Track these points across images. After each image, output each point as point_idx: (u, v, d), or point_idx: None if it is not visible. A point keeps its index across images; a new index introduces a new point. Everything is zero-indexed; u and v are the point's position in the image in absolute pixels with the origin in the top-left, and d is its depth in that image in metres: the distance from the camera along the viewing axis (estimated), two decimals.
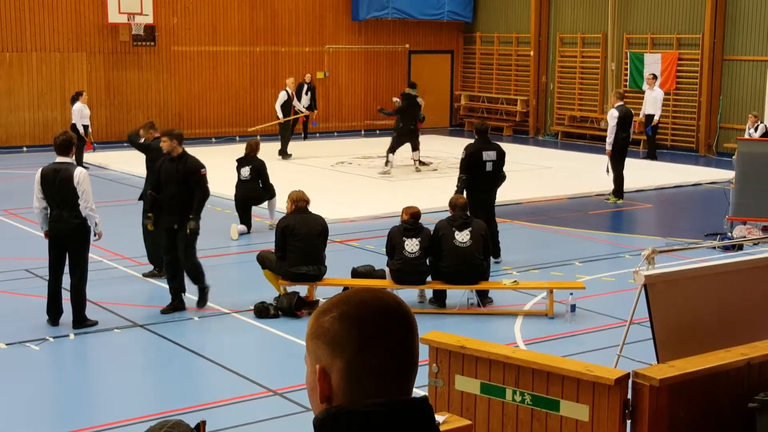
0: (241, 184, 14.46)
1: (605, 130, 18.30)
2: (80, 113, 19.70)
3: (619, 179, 17.36)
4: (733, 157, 16.66)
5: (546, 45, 28.02)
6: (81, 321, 9.75)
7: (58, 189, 9.59)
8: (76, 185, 9.55)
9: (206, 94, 26.31)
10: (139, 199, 11.92)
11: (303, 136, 24.86)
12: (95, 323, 9.82)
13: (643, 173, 20.41)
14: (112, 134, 24.53)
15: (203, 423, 5.14)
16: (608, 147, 17.20)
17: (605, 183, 17.80)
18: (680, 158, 23.34)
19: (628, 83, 25.39)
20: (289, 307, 10.18)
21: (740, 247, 13.11)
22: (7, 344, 9.23)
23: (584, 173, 20.26)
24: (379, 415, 1.99)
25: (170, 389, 8.32)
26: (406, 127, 19.69)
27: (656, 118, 22.97)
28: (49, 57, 24.12)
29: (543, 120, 28.43)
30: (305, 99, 24.09)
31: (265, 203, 14.67)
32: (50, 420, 7.69)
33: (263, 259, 10.73)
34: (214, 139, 26.10)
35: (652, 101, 22.89)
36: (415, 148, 20.06)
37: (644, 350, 6.92)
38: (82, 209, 9.58)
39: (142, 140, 12.15)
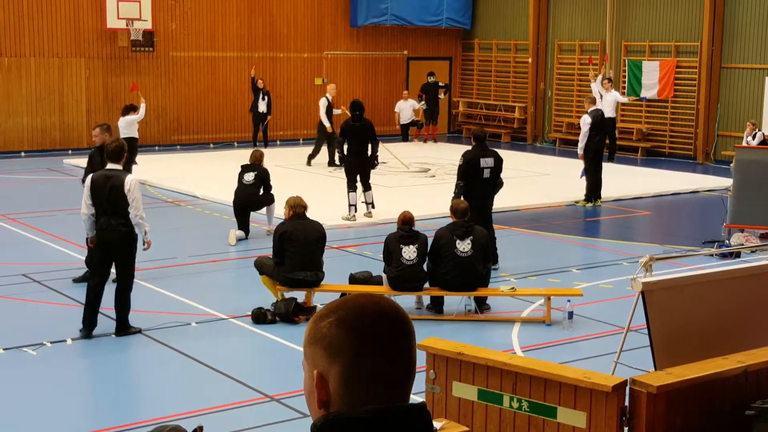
0: (241, 188, 14.47)
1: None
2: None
3: (594, 183, 17.56)
4: (731, 164, 16.68)
5: (544, 52, 28.06)
6: (124, 327, 9.68)
7: (108, 196, 9.49)
8: (126, 192, 9.48)
9: (205, 100, 26.32)
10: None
11: (264, 143, 24.94)
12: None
13: (641, 180, 20.44)
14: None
15: (200, 428, 5.15)
16: (580, 151, 17.60)
17: (603, 190, 17.81)
18: (678, 166, 23.36)
19: (626, 91, 25.41)
20: (286, 313, 10.18)
21: (738, 255, 13.12)
22: (4, 349, 9.23)
23: (582, 180, 20.26)
24: (377, 421, 1.99)
25: (167, 394, 8.31)
26: (351, 158, 15.38)
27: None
28: (47, 62, 24.12)
29: (541, 127, 28.45)
30: (262, 104, 24.83)
31: (264, 209, 14.68)
32: (47, 425, 7.67)
33: (261, 265, 10.72)
34: (212, 145, 26.11)
35: (608, 104, 22.68)
36: (367, 186, 15.59)
37: (641, 357, 6.92)
38: (132, 217, 9.51)
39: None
